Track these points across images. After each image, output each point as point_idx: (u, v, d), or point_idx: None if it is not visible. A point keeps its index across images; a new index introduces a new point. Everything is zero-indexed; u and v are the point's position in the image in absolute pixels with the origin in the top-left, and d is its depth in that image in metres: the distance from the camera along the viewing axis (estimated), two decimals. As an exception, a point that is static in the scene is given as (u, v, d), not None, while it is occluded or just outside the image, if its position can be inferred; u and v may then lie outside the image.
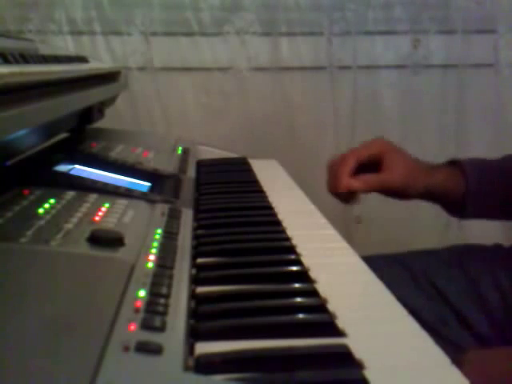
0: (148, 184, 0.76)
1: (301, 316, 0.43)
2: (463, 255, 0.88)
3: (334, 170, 0.85)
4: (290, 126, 1.46)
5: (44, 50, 0.73)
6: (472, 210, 0.85)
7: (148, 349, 0.33)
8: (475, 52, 1.48)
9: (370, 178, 0.83)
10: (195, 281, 0.48)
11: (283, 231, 0.63)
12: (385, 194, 0.87)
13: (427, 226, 1.52)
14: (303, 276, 0.51)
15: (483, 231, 1.52)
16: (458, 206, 0.86)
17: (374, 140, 0.88)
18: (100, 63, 1.16)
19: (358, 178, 0.82)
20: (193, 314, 0.42)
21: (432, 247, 0.95)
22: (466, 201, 0.84)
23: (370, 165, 0.85)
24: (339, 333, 0.41)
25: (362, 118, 1.50)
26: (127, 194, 0.66)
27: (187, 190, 0.76)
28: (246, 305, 0.44)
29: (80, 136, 0.95)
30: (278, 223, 0.66)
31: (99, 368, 0.30)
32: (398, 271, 0.85)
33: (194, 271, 0.51)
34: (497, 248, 0.89)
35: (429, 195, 0.87)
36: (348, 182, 0.82)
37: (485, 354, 0.68)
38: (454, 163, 0.87)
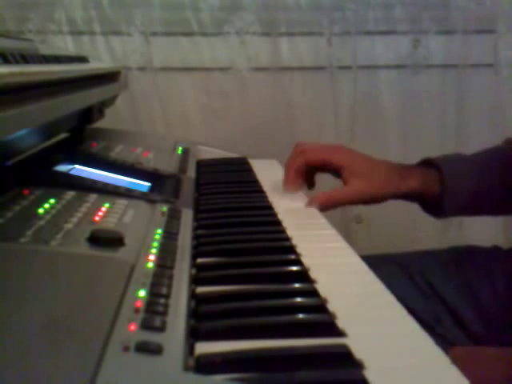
0: (148, 184, 0.77)
1: (301, 316, 0.43)
2: (460, 256, 0.88)
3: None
4: (290, 126, 1.47)
5: (44, 50, 0.73)
6: (449, 209, 0.84)
7: (148, 349, 0.33)
8: (475, 52, 1.48)
9: (326, 199, 0.78)
10: (195, 281, 0.48)
11: (283, 231, 0.63)
12: None
13: (427, 226, 1.52)
14: (303, 276, 0.51)
15: (483, 231, 1.52)
16: (434, 205, 0.86)
17: (337, 147, 0.84)
18: (100, 63, 1.16)
19: (314, 197, 0.78)
20: (193, 314, 0.42)
21: (431, 247, 0.95)
22: (443, 201, 0.83)
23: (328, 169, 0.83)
24: (339, 333, 0.41)
25: (361, 118, 1.50)
26: (127, 193, 0.66)
27: (187, 190, 0.76)
28: (246, 305, 0.44)
29: (80, 136, 0.95)
30: (278, 223, 0.66)
31: (99, 368, 0.30)
32: (395, 271, 0.85)
33: (194, 271, 0.51)
34: (495, 250, 0.90)
35: (404, 198, 0.85)
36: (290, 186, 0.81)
37: (470, 352, 0.68)
38: (428, 162, 0.86)
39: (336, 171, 0.82)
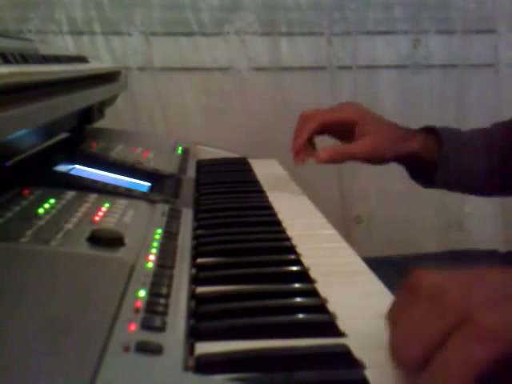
0: (148, 184, 0.76)
1: (301, 316, 0.43)
2: (458, 259, 0.88)
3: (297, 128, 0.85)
4: (290, 125, 1.46)
5: (44, 50, 0.73)
6: (441, 178, 0.86)
7: (148, 349, 0.33)
8: (475, 52, 1.48)
9: (336, 150, 0.82)
10: (195, 281, 0.48)
11: (283, 231, 0.63)
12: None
13: (428, 226, 1.52)
14: (303, 276, 0.51)
15: (483, 231, 1.53)
16: (426, 172, 0.87)
17: (345, 104, 0.87)
18: (100, 63, 1.16)
19: (324, 149, 0.81)
20: (193, 314, 0.42)
21: (431, 247, 0.95)
22: (437, 170, 0.85)
23: (339, 129, 0.84)
24: (339, 333, 0.41)
25: (362, 118, 1.49)
26: (127, 193, 0.66)
27: (187, 190, 0.76)
28: (246, 305, 0.44)
29: (80, 136, 0.95)
30: (278, 223, 0.66)
31: (99, 368, 0.30)
32: (393, 274, 0.85)
33: (193, 271, 0.51)
34: (493, 253, 0.90)
35: (401, 160, 0.87)
36: (300, 147, 0.82)
37: None
38: (430, 130, 0.88)
39: (347, 128, 0.83)
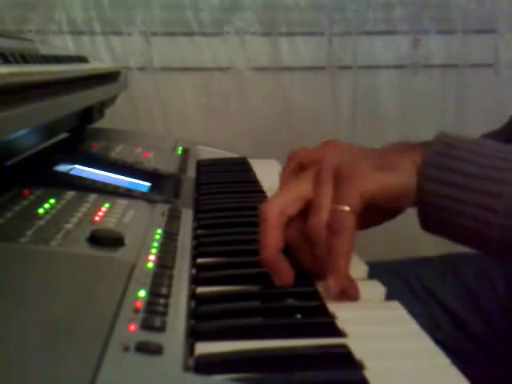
0: (148, 184, 0.76)
1: (301, 316, 0.43)
2: (457, 262, 0.88)
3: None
4: (290, 125, 1.47)
5: (44, 50, 0.74)
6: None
7: (148, 349, 0.33)
8: (475, 52, 1.48)
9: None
10: (195, 281, 0.48)
11: (283, 231, 0.63)
12: None
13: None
14: (303, 276, 0.51)
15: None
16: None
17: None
18: (100, 63, 1.16)
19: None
20: (193, 314, 0.42)
21: (431, 247, 0.95)
22: None
23: None
24: (339, 333, 0.41)
25: (361, 118, 1.49)
26: (127, 193, 0.66)
27: (187, 190, 0.76)
28: (246, 305, 0.44)
29: (80, 136, 0.95)
30: (278, 223, 0.66)
31: (99, 368, 0.30)
32: (392, 278, 0.84)
33: (193, 271, 0.51)
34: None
35: None
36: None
37: None
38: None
39: None
